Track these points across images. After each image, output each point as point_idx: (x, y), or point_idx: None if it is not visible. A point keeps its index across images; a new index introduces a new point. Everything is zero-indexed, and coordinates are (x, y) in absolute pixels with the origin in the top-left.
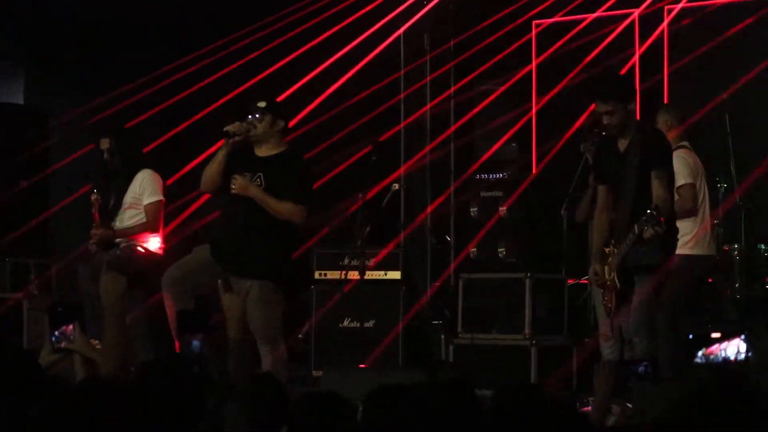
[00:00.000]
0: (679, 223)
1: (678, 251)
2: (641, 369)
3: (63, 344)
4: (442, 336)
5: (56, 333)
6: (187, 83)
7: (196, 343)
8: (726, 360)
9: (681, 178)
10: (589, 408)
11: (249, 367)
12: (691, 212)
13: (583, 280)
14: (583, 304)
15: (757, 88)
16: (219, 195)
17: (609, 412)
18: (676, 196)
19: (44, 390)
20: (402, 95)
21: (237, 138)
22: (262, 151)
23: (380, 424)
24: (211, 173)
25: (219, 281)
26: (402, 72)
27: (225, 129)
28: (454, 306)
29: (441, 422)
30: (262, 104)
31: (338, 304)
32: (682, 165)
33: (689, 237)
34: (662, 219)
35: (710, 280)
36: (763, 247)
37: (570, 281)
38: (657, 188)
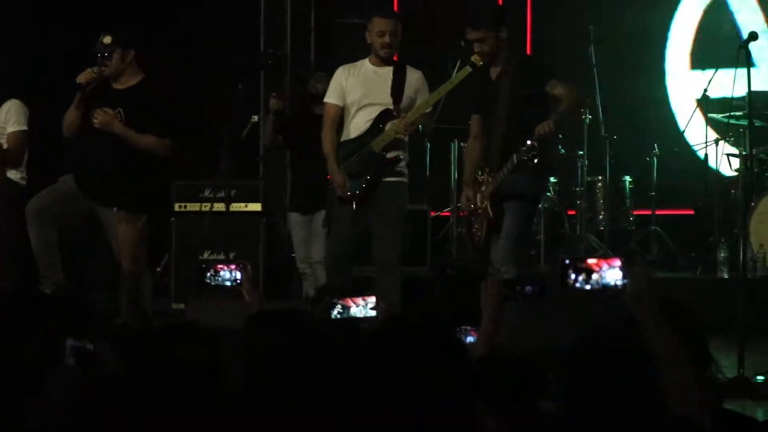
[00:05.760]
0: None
1: (405, 178)
2: (529, 288)
3: None
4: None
5: None
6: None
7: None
8: (606, 286)
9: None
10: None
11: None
12: None
13: (445, 213)
14: (445, 237)
15: (625, 19)
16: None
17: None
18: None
19: None
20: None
21: (91, 86)
22: (120, 84)
23: (261, 350)
24: (71, 120)
25: (114, 210)
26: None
27: (77, 80)
28: None
29: (323, 350)
30: (107, 40)
31: (199, 236)
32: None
33: None
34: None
35: (574, 212)
36: (627, 179)
37: (432, 213)
38: (561, 89)
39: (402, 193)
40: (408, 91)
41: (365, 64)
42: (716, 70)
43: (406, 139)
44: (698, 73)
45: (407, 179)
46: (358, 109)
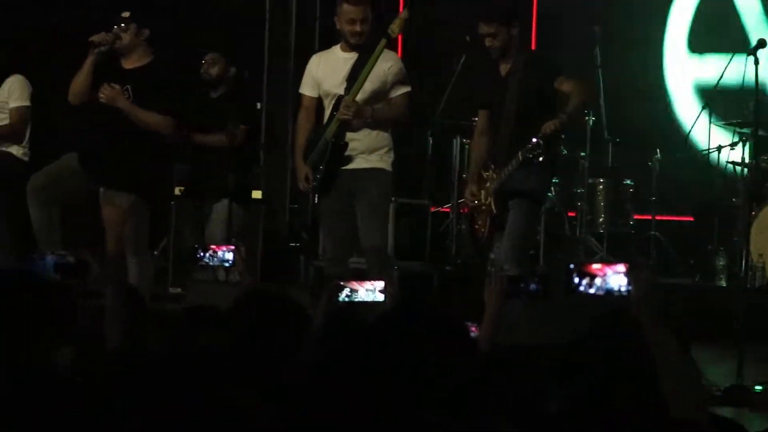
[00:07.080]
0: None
1: (384, 165)
2: (533, 286)
3: None
4: (302, 258)
5: None
6: None
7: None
8: (610, 291)
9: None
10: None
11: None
12: None
13: (445, 208)
14: (445, 232)
15: (628, 20)
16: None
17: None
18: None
19: None
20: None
21: (102, 48)
22: (129, 63)
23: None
24: (78, 84)
25: (101, 191)
26: None
27: (90, 39)
28: (315, 228)
29: (325, 337)
30: (126, 14)
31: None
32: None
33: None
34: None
35: (574, 214)
36: (628, 182)
37: (432, 209)
38: (570, 85)
39: (378, 179)
40: (371, 77)
41: (336, 51)
42: (722, 74)
43: (388, 130)
44: (695, 59)
45: (389, 166)
46: (332, 99)
